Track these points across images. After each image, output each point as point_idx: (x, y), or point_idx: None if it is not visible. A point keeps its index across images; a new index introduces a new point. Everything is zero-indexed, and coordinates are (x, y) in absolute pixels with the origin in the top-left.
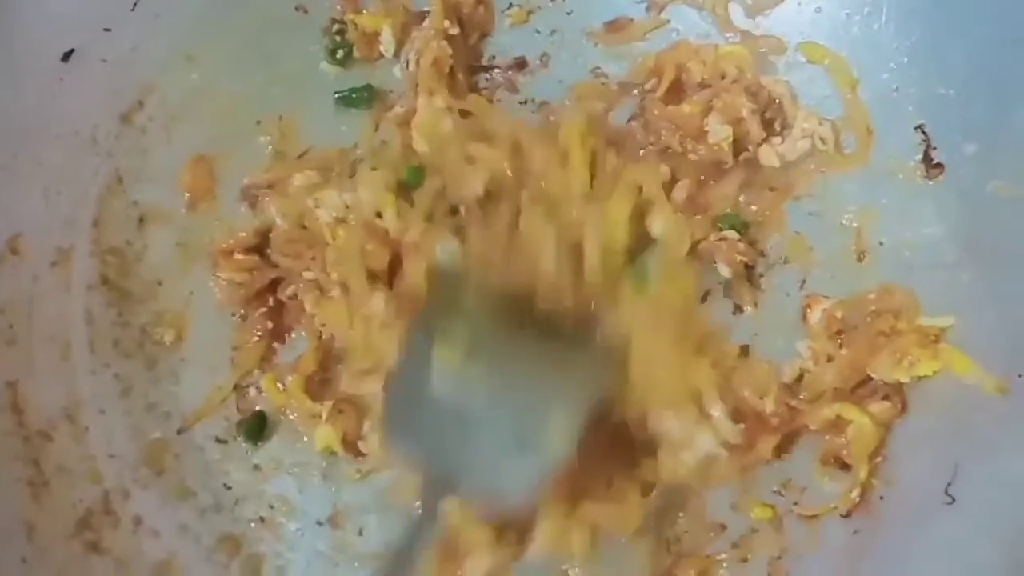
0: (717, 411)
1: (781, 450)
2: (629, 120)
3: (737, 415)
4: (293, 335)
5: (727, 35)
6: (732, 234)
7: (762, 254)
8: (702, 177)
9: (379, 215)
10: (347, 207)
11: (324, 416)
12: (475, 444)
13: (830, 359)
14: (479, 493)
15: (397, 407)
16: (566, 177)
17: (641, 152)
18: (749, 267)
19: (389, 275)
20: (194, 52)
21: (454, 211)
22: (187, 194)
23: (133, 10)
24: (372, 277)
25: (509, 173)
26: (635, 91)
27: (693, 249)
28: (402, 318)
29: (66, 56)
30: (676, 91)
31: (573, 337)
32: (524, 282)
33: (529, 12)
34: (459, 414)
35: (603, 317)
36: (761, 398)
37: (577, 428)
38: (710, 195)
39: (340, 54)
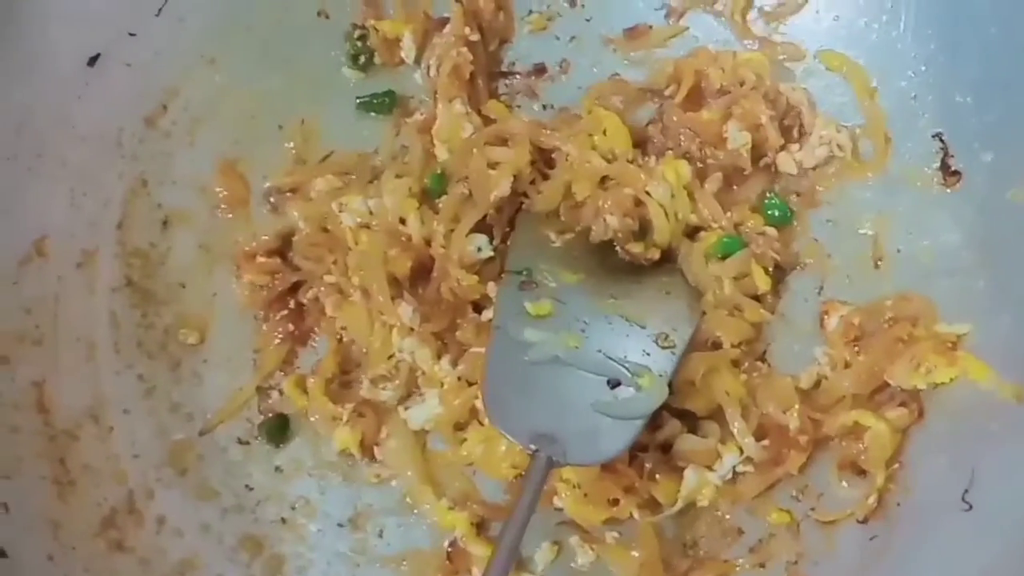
0: (740, 428)
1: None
2: (647, 124)
3: (761, 430)
4: (315, 339)
5: (746, 42)
6: (771, 231)
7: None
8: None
9: (402, 221)
10: (371, 212)
11: (344, 419)
12: (573, 399)
13: (847, 365)
14: (580, 449)
15: (497, 378)
16: (607, 142)
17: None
18: (779, 269)
19: (411, 281)
20: (217, 56)
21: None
22: (222, 203)
23: (158, 15)
24: (394, 283)
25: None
26: (654, 97)
27: (735, 230)
28: (426, 325)
29: (92, 61)
30: (695, 97)
31: (655, 279)
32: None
33: (548, 19)
34: (556, 371)
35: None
36: (784, 412)
37: (672, 367)
38: (733, 198)
39: (361, 59)
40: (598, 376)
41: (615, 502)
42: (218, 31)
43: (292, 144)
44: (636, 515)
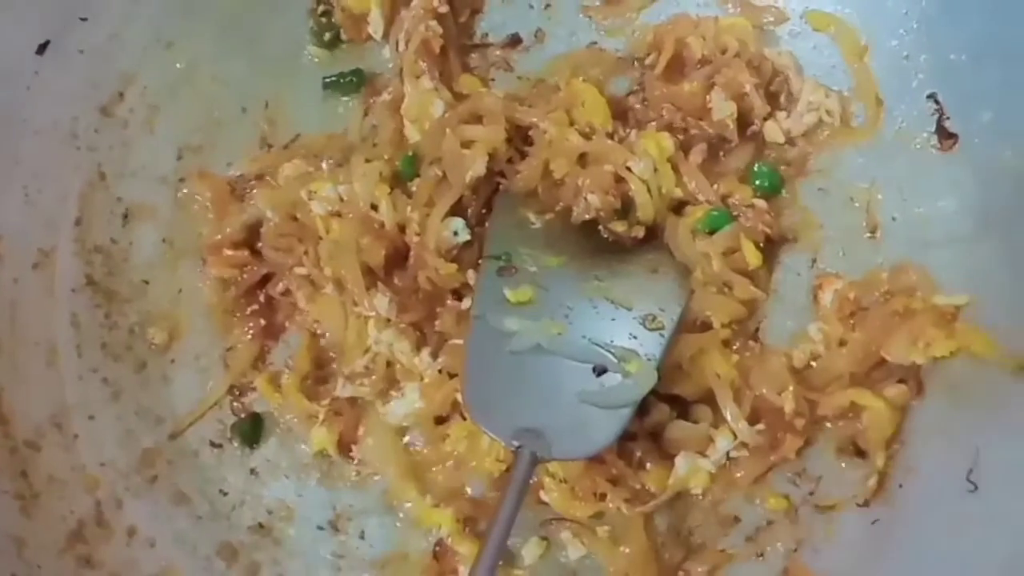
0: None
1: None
2: (628, 95)
3: (755, 413)
4: (287, 334)
5: (727, 6)
6: (761, 203)
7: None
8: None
9: (374, 207)
10: (341, 200)
11: (321, 417)
12: (558, 390)
13: (843, 343)
14: (567, 443)
15: (477, 371)
16: (586, 116)
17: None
18: (770, 242)
19: (386, 270)
20: (175, 39)
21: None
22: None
23: None
24: (368, 273)
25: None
26: (634, 65)
27: (723, 203)
28: (403, 316)
29: (41, 48)
30: (676, 67)
31: (641, 258)
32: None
33: None
34: (539, 361)
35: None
36: (779, 394)
37: (660, 350)
38: (720, 169)
39: (327, 37)
40: (583, 364)
41: (602, 496)
42: (174, 12)
43: (257, 128)
44: (624, 509)
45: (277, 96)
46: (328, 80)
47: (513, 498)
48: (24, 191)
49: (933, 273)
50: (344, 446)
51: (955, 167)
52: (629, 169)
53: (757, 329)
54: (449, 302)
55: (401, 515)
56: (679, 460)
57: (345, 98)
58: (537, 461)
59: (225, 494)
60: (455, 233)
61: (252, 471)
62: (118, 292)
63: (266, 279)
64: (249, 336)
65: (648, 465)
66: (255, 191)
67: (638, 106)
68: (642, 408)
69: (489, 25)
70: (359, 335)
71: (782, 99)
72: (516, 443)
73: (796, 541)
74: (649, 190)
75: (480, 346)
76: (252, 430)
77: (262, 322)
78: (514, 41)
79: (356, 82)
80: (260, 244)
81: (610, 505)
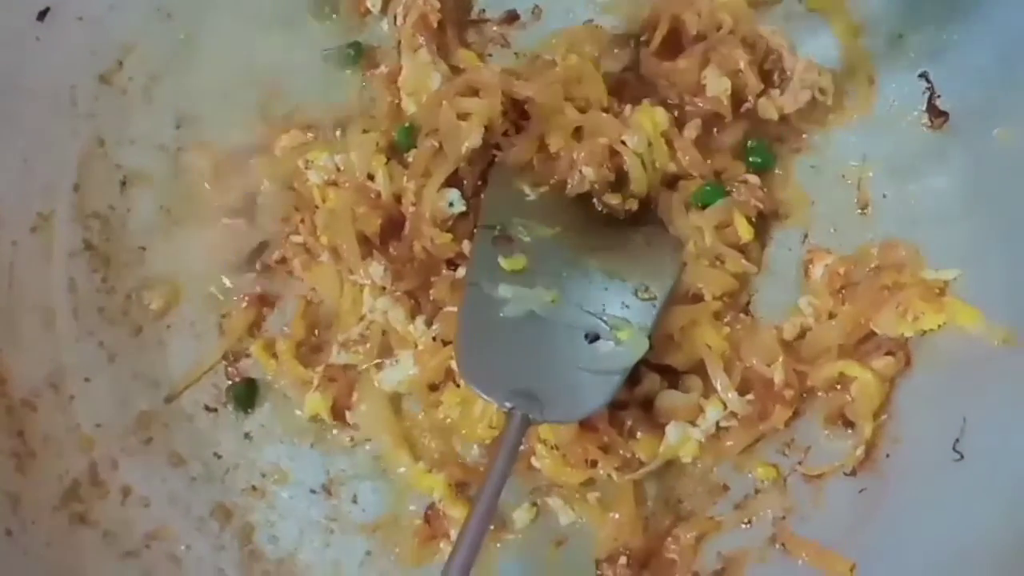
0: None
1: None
2: (623, 70)
3: (745, 384)
4: (283, 301)
5: None
6: (754, 179)
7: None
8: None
9: (370, 177)
10: (338, 169)
11: (315, 383)
12: (550, 355)
13: (832, 316)
14: (558, 406)
15: (471, 335)
16: (581, 91)
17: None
18: (763, 217)
19: (382, 239)
20: (173, 9)
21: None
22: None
23: None
24: (363, 241)
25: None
26: (630, 42)
27: (716, 177)
28: (398, 284)
29: (41, 15)
30: (671, 43)
31: (634, 230)
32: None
33: None
34: (533, 327)
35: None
36: (769, 365)
37: (652, 319)
38: (714, 145)
39: (326, 9)
40: (576, 330)
41: (593, 463)
42: None
43: (255, 99)
44: (614, 476)
45: (276, 67)
46: (327, 52)
47: (504, 459)
48: (23, 156)
49: (923, 249)
50: (338, 412)
51: (945, 145)
52: (624, 143)
53: (748, 302)
54: (444, 271)
55: (393, 479)
56: (669, 429)
57: (343, 70)
58: (529, 423)
59: (219, 457)
60: (451, 204)
61: (246, 435)
62: (115, 257)
63: (262, 247)
64: (245, 303)
65: (639, 434)
66: (253, 160)
67: (633, 82)
68: (633, 377)
69: (486, 1)
70: (354, 303)
71: (776, 76)
72: (508, 404)
73: (784, 509)
74: (643, 164)
75: (474, 312)
76: (247, 395)
77: (258, 289)
78: (511, 17)
79: (354, 55)
80: (257, 212)
81: (601, 472)
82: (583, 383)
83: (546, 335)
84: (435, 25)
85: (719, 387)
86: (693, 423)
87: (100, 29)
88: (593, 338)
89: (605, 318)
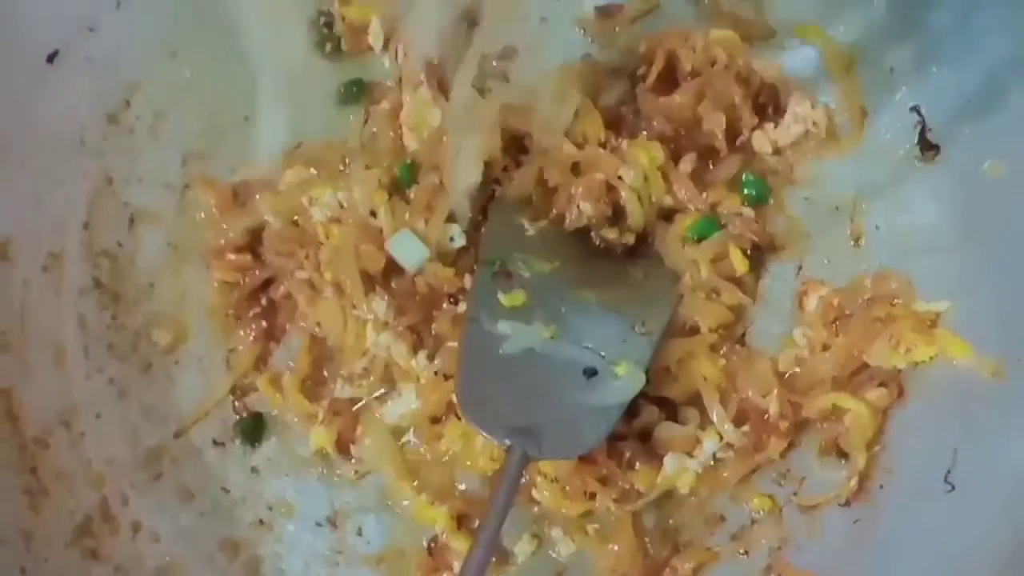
0: (719, 414)
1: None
2: (620, 105)
3: (741, 415)
4: (288, 336)
5: (716, 20)
6: (748, 212)
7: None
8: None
9: (373, 214)
10: (342, 206)
11: (320, 417)
12: (549, 391)
13: (826, 347)
14: (557, 442)
15: (471, 372)
16: (579, 126)
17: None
18: (757, 249)
19: (384, 275)
20: (179, 49)
21: None
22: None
23: (118, 8)
24: (367, 277)
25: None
26: (626, 76)
27: (712, 211)
28: (401, 319)
29: (51, 57)
30: (667, 79)
31: (631, 264)
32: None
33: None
34: (532, 363)
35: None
36: (764, 397)
37: (649, 354)
38: (709, 178)
39: (328, 47)
40: (574, 366)
41: (592, 495)
42: (179, 22)
43: (259, 135)
44: (613, 508)
45: (279, 104)
46: (329, 90)
47: (505, 495)
48: (34, 196)
49: (914, 280)
50: (343, 445)
51: (937, 178)
52: (620, 178)
53: (744, 333)
54: (445, 306)
55: (398, 512)
56: (667, 460)
57: (346, 107)
58: (528, 460)
59: (227, 491)
60: (451, 239)
61: (253, 469)
62: (124, 294)
63: (268, 283)
64: (251, 338)
65: (637, 465)
66: (257, 196)
67: (630, 116)
68: (632, 409)
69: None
70: (358, 337)
71: (770, 110)
72: (508, 442)
73: (780, 540)
74: (640, 198)
75: (474, 348)
76: (254, 429)
77: (264, 324)
78: (510, 52)
79: (356, 91)
80: (262, 248)
81: (600, 504)
82: (581, 419)
83: (545, 371)
84: (435, 61)
85: (715, 419)
86: (690, 454)
87: (107, 69)
88: (591, 373)
89: (603, 353)
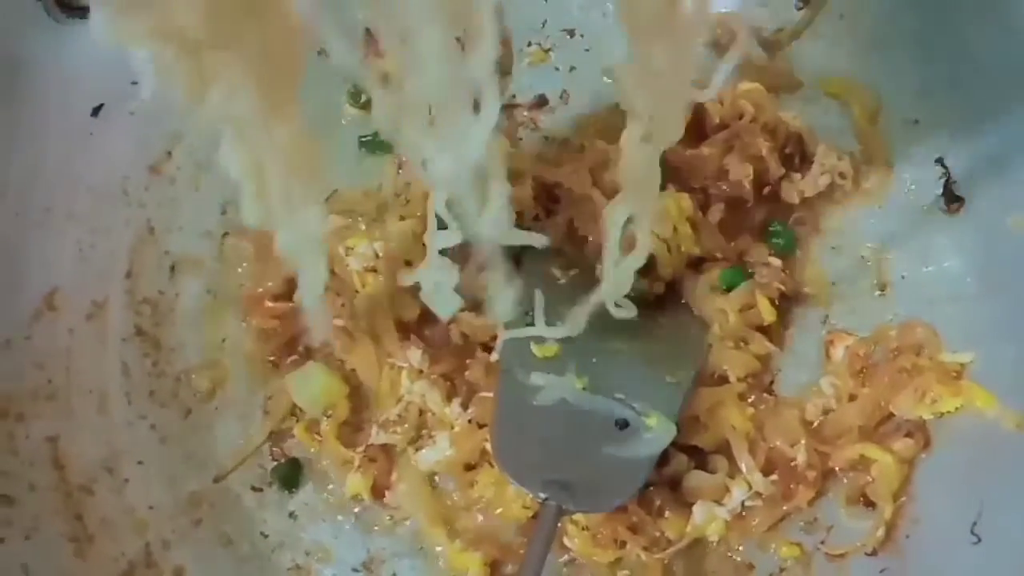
0: (748, 463)
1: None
2: None
3: (769, 464)
4: None
5: (744, 72)
6: (776, 262)
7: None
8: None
9: (408, 263)
10: (377, 256)
11: (356, 463)
12: (582, 443)
13: (853, 397)
14: (591, 496)
15: (506, 424)
16: (609, 176)
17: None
18: (785, 298)
19: (418, 324)
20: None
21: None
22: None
23: None
24: (401, 326)
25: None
26: None
27: (739, 260)
28: (435, 368)
29: (95, 111)
30: (695, 130)
31: (661, 313)
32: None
33: (547, 50)
34: (565, 415)
35: (683, 294)
36: (792, 446)
37: (679, 403)
38: (737, 228)
39: (363, 98)
40: (606, 417)
41: (623, 544)
42: None
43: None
44: (643, 556)
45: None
46: (364, 139)
47: (540, 548)
48: (78, 246)
49: (939, 330)
50: (378, 491)
51: (961, 229)
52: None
53: (772, 382)
54: (479, 354)
55: (432, 558)
56: (696, 508)
57: (380, 156)
58: (563, 513)
59: (266, 536)
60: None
61: (291, 514)
62: (165, 341)
63: (304, 330)
64: None
65: (667, 513)
66: None
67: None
68: (662, 458)
69: (517, 87)
70: (393, 385)
71: (796, 160)
72: (543, 495)
73: None
74: (669, 248)
75: (508, 401)
76: (291, 475)
77: None
78: (541, 102)
79: (390, 141)
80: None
81: (630, 552)
82: (614, 472)
83: (578, 423)
84: None
85: (744, 468)
86: (719, 502)
87: (150, 121)
88: (623, 425)
89: (635, 404)
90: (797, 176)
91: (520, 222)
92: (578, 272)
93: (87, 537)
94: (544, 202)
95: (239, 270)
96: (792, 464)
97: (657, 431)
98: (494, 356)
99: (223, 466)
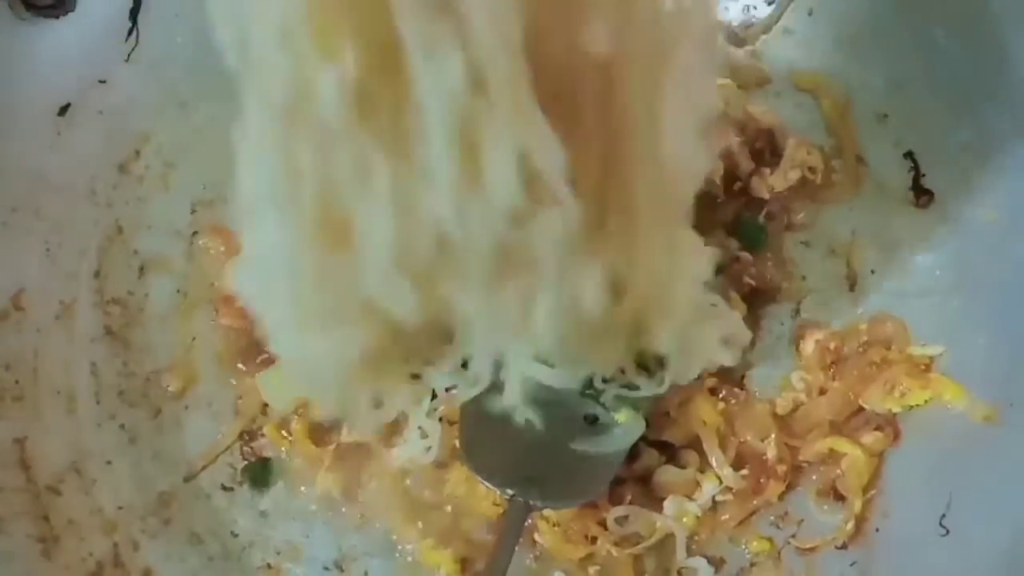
0: (718, 458)
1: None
2: None
3: (740, 458)
4: None
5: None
6: (746, 256)
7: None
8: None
9: None
10: None
11: (327, 462)
12: (551, 439)
13: (823, 391)
14: (559, 491)
15: (474, 421)
16: None
17: None
18: (756, 292)
19: None
20: (189, 99)
21: None
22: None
23: (127, 61)
24: None
25: None
26: None
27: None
28: None
29: (63, 110)
30: None
31: None
32: None
33: None
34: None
35: None
36: (762, 440)
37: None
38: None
39: None
40: (575, 413)
41: (593, 539)
42: (189, 74)
43: None
44: (614, 551)
45: None
46: None
47: (507, 543)
48: (46, 246)
49: (909, 324)
50: (349, 489)
51: (930, 223)
52: None
53: (743, 377)
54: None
55: (403, 556)
56: (667, 503)
57: None
58: (531, 508)
59: (236, 535)
60: None
61: (262, 513)
62: (134, 341)
63: None
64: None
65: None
66: None
67: None
68: (632, 453)
69: None
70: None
71: (766, 155)
72: (510, 492)
73: None
74: None
75: (475, 398)
76: (262, 474)
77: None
78: None
79: None
80: None
81: (600, 547)
82: (583, 467)
83: (546, 419)
84: None
85: (715, 462)
86: (690, 497)
87: (118, 120)
88: (592, 420)
89: (603, 400)
90: (767, 171)
91: None
92: None
93: (54, 537)
94: None
95: (209, 269)
96: (762, 458)
97: (626, 426)
98: None
99: (193, 465)
